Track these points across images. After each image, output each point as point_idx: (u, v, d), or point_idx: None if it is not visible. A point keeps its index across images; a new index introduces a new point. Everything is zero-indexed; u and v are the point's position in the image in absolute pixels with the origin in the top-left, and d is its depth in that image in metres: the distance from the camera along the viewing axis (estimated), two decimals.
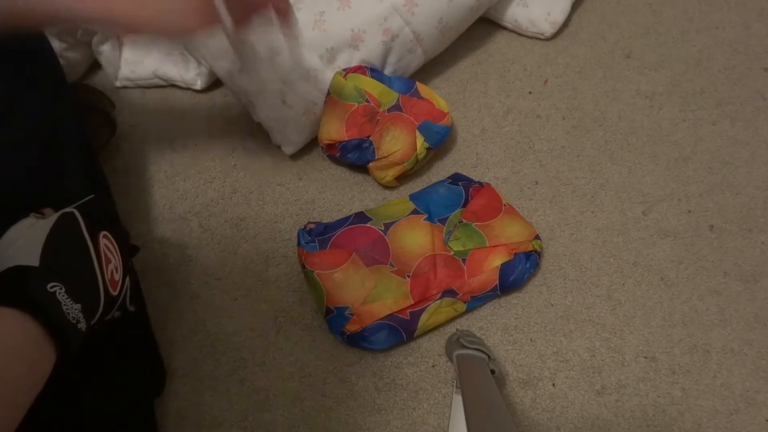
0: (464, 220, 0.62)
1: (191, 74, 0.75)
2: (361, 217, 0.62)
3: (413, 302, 0.56)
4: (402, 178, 0.68)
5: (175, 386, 0.59)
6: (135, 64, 0.76)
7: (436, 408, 0.57)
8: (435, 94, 0.69)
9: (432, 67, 0.77)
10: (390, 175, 0.66)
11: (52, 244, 0.37)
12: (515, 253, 0.59)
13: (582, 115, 0.73)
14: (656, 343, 0.59)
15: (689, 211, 0.66)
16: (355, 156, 0.66)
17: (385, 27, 0.67)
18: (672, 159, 0.70)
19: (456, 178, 0.67)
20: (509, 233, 0.60)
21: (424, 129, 0.65)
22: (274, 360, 0.60)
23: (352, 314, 0.56)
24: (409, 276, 0.57)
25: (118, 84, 0.79)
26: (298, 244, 0.61)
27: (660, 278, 0.62)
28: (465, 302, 0.59)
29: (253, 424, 0.57)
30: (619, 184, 0.68)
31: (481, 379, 0.50)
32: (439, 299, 0.57)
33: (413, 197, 0.65)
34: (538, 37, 0.79)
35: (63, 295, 0.34)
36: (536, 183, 0.69)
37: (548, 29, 0.77)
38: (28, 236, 0.38)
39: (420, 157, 0.65)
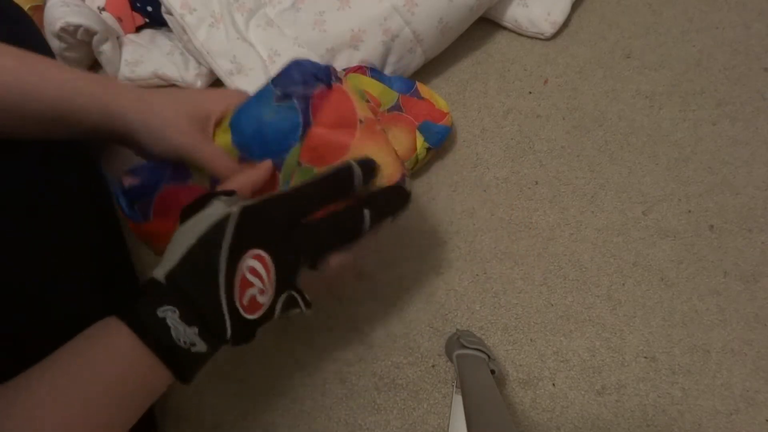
0: (303, 163, 0.45)
1: (191, 74, 0.75)
2: (180, 172, 0.46)
3: None
4: None
5: (175, 386, 0.59)
6: (135, 64, 0.76)
7: (436, 408, 0.57)
8: (435, 94, 0.69)
9: (432, 67, 0.77)
10: None
11: (189, 259, 0.37)
12: None
13: (582, 115, 0.73)
14: (656, 343, 0.59)
15: (689, 211, 0.66)
16: None
17: (385, 27, 0.67)
18: (672, 159, 0.70)
19: (287, 82, 0.44)
20: None
21: (424, 129, 0.65)
22: (274, 360, 0.60)
23: None
24: None
25: None
26: (122, 210, 0.47)
27: (660, 278, 0.62)
28: None
29: (253, 424, 0.57)
30: (619, 184, 0.68)
31: (481, 379, 0.50)
32: None
33: (235, 131, 0.45)
34: (538, 37, 0.79)
35: (174, 320, 0.34)
36: (536, 183, 0.69)
37: (548, 29, 0.77)
38: (183, 236, 0.38)
39: (420, 157, 0.65)
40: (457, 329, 0.60)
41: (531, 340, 0.60)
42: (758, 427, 0.55)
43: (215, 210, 0.38)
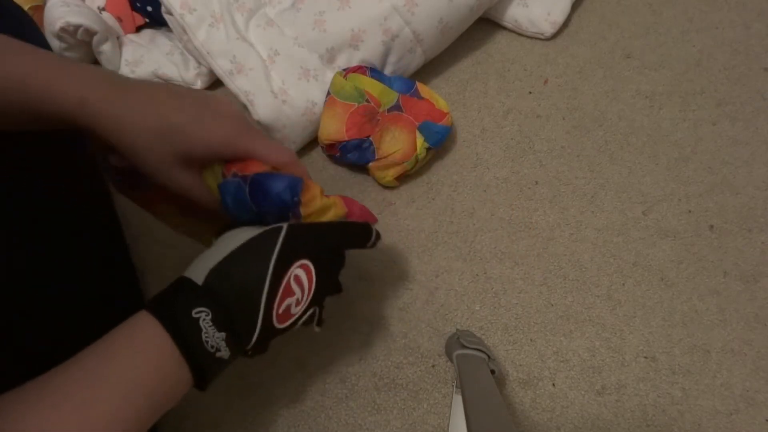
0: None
1: (191, 74, 0.75)
2: None
3: None
4: (402, 178, 0.68)
5: None
6: (135, 64, 0.76)
7: (436, 408, 0.57)
8: (435, 94, 0.69)
9: (432, 67, 0.77)
10: (390, 175, 0.66)
11: (231, 262, 0.36)
12: None
13: (582, 115, 0.73)
14: (656, 343, 0.59)
15: (689, 211, 0.66)
16: (355, 156, 0.66)
17: (385, 27, 0.67)
18: (672, 159, 0.70)
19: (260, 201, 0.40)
20: None
21: (424, 129, 0.65)
22: (274, 359, 0.60)
23: None
24: None
25: None
26: (110, 181, 0.45)
27: (660, 278, 0.62)
28: None
29: (253, 424, 0.57)
30: (619, 184, 0.68)
31: (481, 379, 0.50)
32: None
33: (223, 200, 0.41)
34: (538, 37, 0.79)
35: (207, 322, 0.34)
36: (536, 183, 0.69)
37: (548, 29, 0.77)
38: (224, 243, 0.38)
39: (420, 157, 0.65)
40: (457, 329, 0.60)
41: (531, 340, 0.60)
42: (758, 427, 0.55)
43: (257, 228, 0.38)
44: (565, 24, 0.79)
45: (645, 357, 0.58)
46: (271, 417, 0.57)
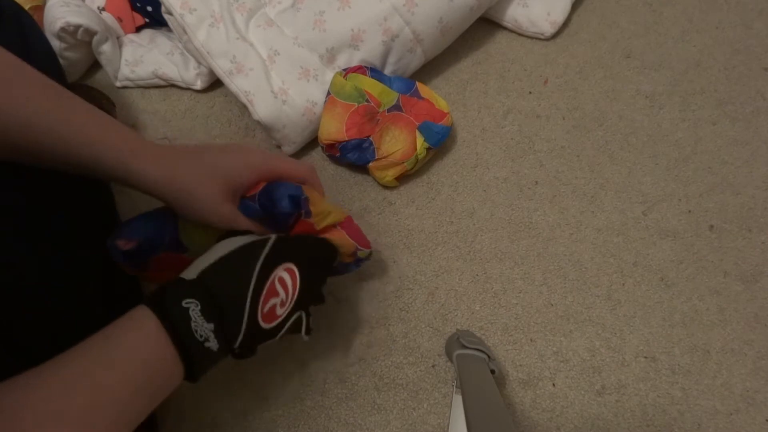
0: None
1: (191, 74, 0.75)
2: (176, 245, 0.47)
3: None
4: (402, 178, 0.68)
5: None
6: (135, 64, 0.76)
7: (436, 408, 0.57)
8: (435, 94, 0.69)
9: (432, 67, 0.77)
10: (390, 175, 0.66)
11: (222, 262, 0.40)
12: None
13: (582, 115, 0.73)
14: (656, 343, 0.59)
15: (689, 211, 0.66)
16: (355, 156, 0.66)
17: (385, 27, 0.67)
18: (672, 159, 0.70)
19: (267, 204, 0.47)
20: None
21: (424, 129, 0.65)
22: (274, 359, 0.60)
23: None
24: None
25: (118, 84, 0.79)
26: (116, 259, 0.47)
27: (660, 278, 0.62)
28: None
29: (253, 424, 0.57)
30: (619, 184, 0.68)
31: (481, 379, 0.50)
32: None
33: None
34: (538, 37, 0.79)
35: (196, 312, 0.36)
36: (536, 183, 0.69)
37: (548, 29, 0.77)
38: (219, 247, 0.41)
39: (420, 157, 0.65)
40: (457, 329, 0.60)
41: (531, 340, 0.60)
42: (758, 427, 0.55)
43: (251, 236, 0.43)
44: (565, 24, 0.79)
45: (645, 357, 0.58)
46: (271, 417, 0.57)
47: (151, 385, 0.34)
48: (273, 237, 0.42)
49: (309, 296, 0.45)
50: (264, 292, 0.40)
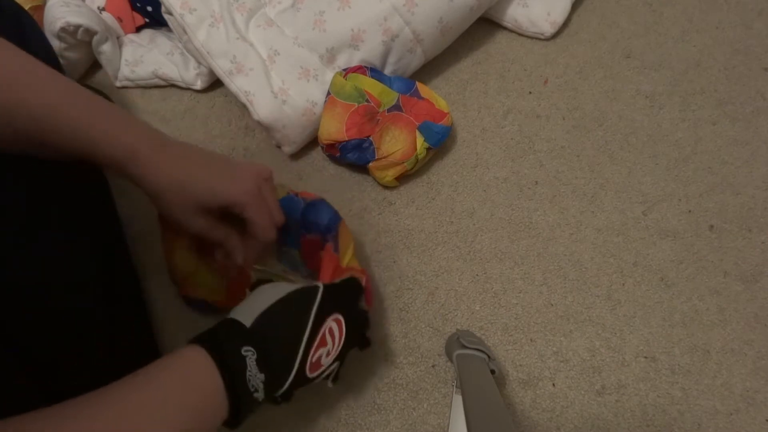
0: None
1: (191, 74, 0.75)
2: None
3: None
4: (402, 178, 0.68)
5: None
6: (135, 64, 0.76)
7: (436, 408, 0.57)
8: (435, 94, 0.69)
9: (432, 67, 0.77)
10: (390, 175, 0.66)
11: (275, 310, 0.40)
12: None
13: (582, 115, 0.73)
14: (656, 343, 0.59)
15: (689, 211, 0.66)
16: (355, 156, 0.66)
17: (385, 27, 0.67)
18: (672, 159, 0.70)
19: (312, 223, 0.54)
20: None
21: (424, 129, 0.65)
22: None
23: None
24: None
25: (118, 84, 0.79)
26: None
27: (660, 278, 0.62)
28: None
29: (253, 424, 0.57)
30: (619, 184, 0.68)
31: (481, 379, 0.50)
32: None
33: None
34: (538, 37, 0.79)
35: (251, 361, 0.36)
36: (536, 183, 0.69)
37: (548, 29, 0.77)
38: (265, 294, 0.41)
39: (420, 157, 0.65)
40: (457, 329, 0.60)
41: (531, 340, 0.60)
42: (758, 427, 0.55)
43: (292, 284, 0.43)
44: (565, 24, 0.79)
45: (645, 357, 0.59)
46: (271, 417, 0.57)
47: (196, 427, 0.34)
48: (321, 286, 0.43)
49: (352, 343, 0.46)
50: (316, 342, 0.40)
